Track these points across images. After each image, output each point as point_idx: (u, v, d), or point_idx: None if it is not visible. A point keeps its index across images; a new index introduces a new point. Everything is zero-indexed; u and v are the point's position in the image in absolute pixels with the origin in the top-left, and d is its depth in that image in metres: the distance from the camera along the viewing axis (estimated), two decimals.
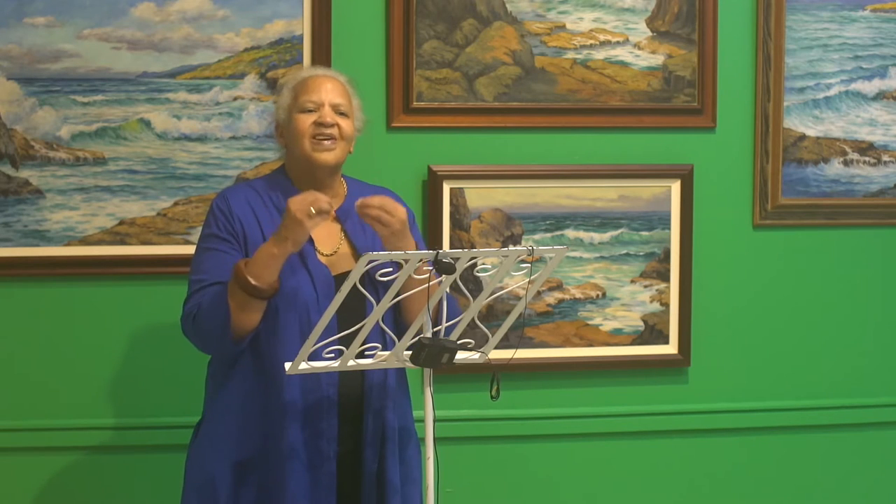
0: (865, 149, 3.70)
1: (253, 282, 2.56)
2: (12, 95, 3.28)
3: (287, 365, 2.49)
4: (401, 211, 2.64)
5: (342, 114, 2.74)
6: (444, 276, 2.43)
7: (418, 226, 2.96)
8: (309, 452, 2.64)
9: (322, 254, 2.71)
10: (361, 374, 2.69)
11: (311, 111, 2.72)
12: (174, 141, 3.35)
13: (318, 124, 2.70)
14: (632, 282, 3.58)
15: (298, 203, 2.56)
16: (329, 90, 2.74)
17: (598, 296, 3.57)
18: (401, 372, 2.80)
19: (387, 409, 2.72)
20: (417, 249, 2.68)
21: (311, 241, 2.70)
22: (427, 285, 2.44)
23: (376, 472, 2.71)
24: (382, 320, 2.54)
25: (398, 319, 2.72)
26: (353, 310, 2.54)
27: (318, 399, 2.64)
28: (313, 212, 2.55)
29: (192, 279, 2.70)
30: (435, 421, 2.58)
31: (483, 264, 2.53)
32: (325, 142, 2.70)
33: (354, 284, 2.37)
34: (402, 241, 2.66)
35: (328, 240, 2.74)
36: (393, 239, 2.65)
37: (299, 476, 2.63)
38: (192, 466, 2.75)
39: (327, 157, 2.71)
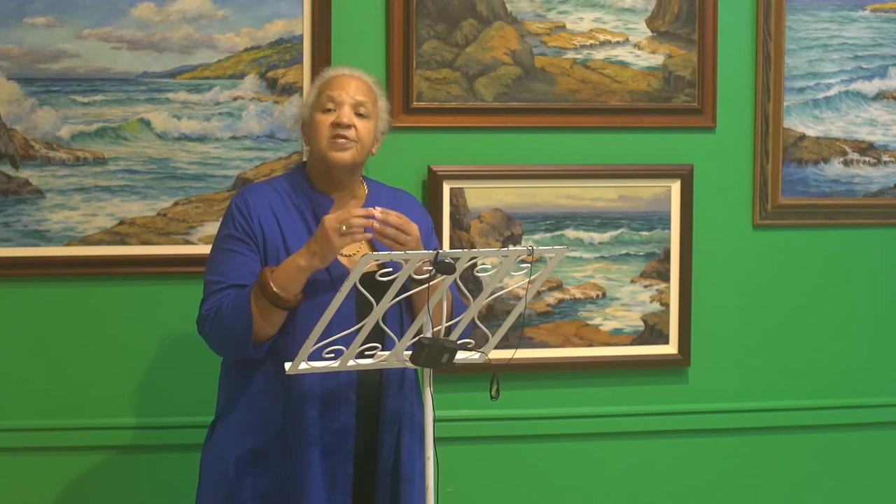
0: (865, 149, 3.70)
1: (277, 291, 2.56)
2: (12, 95, 3.28)
3: (287, 365, 2.50)
4: (415, 229, 2.62)
5: (362, 115, 2.72)
6: (444, 276, 2.44)
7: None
8: (326, 440, 2.64)
9: (342, 255, 2.71)
10: None
11: (330, 111, 2.71)
12: (174, 141, 3.35)
13: (335, 124, 2.69)
14: (632, 282, 3.58)
15: (331, 221, 2.56)
16: (352, 89, 2.73)
17: (598, 296, 3.57)
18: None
19: (405, 401, 2.74)
20: None
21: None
22: (427, 285, 2.44)
23: (392, 462, 2.71)
24: (390, 320, 2.55)
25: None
26: (371, 308, 2.53)
27: (335, 387, 2.64)
28: (344, 229, 2.53)
29: (209, 279, 2.70)
30: (435, 421, 2.58)
31: (483, 264, 2.53)
32: (340, 140, 2.69)
33: (356, 284, 2.38)
34: None
35: None
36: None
37: (317, 463, 2.63)
38: (208, 463, 2.75)
39: (342, 156, 2.70)
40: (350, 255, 2.72)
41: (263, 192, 2.75)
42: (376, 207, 2.59)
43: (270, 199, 2.73)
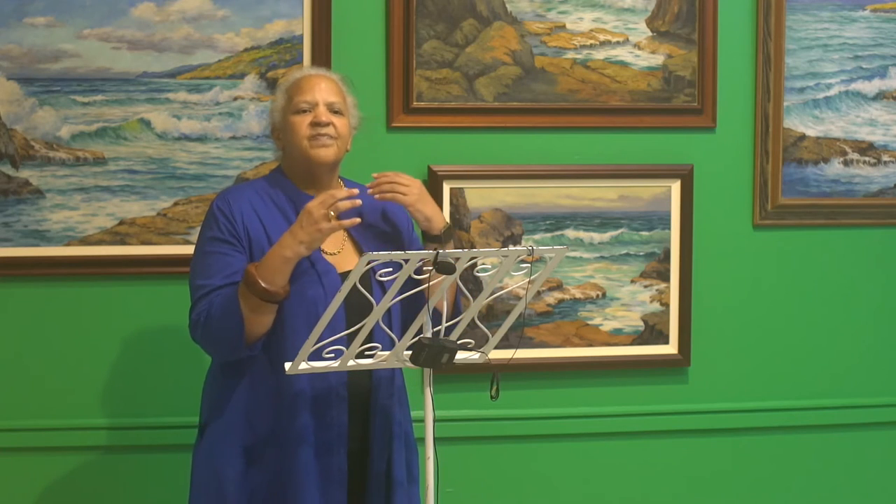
0: (865, 149, 3.70)
1: (265, 286, 2.54)
2: (12, 95, 3.28)
3: (287, 365, 2.49)
4: (411, 179, 2.73)
5: (337, 112, 2.73)
6: (444, 276, 2.44)
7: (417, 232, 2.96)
8: (319, 442, 2.63)
9: (326, 253, 2.71)
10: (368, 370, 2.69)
11: (305, 111, 2.71)
12: (174, 141, 3.35)
13: (315, 124, 2.69)
14: (632, 282, 3.58)
15: (317, 206, 2.54)
16: (323, 89, 2.74)
17: (598, 296, 3.57)
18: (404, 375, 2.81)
19: (394, 407, 2.73)
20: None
21: None
22: (428, 284, 2.44)
23: (385, 469, 2.71)
24: (390, 319, 2.56)
25: (407, 318, 2.72)
26: (362, 308, 2.53)
27: (327, 391, 2.64)
28: (332, 215, 2.53)
29: (196, 283, 2.67)
30: (435, 421, 2.58)
31: (483, 264, 2.53)
32: (322, 137, 2.70)
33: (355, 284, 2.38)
34: (428, 204, 2.75)
35: (332, 239, 2.73)
36: (419, 205, 2.74)
37: (311, 461, 2.62)
38: (200, 466, 2.73)
39: (325, 153, 2.70)
40: (334, 254, 2.72)
41: (244, 193, 2.74)
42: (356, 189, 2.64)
43: (252, 200, 2.70)
